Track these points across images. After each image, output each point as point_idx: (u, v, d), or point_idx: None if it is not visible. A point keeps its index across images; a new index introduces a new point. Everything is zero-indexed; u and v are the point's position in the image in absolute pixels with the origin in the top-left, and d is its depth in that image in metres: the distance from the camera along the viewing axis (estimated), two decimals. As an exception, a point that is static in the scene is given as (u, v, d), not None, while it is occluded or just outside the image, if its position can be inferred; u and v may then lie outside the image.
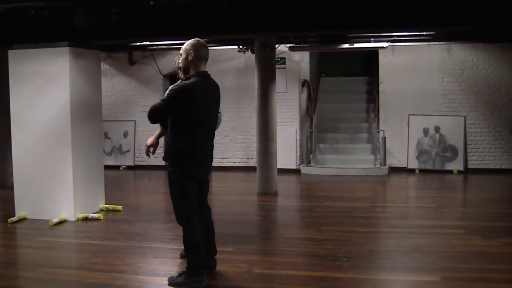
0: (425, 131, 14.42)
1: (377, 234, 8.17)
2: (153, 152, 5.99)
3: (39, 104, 8.95)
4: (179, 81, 6.06)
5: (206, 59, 5.69)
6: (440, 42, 13.76)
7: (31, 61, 8.95)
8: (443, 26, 9.49)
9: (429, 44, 13.88)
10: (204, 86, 5.57)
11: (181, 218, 5.67)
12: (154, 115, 5.55)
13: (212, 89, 5.74)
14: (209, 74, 5.70)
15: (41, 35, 8.97)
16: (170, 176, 5.65)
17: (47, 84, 8.90)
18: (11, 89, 9.16)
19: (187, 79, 5.59)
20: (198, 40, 5.65)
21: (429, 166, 14.37)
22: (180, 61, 5.74)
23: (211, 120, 5.76)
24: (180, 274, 5.73)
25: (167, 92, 5.63)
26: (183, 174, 5.55)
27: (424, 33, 12.10)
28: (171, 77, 14.58)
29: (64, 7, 8.75)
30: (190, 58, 5.55)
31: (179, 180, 5.57)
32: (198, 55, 5.57)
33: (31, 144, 9.03)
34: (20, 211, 9.10)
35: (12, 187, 9.41)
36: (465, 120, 14.25)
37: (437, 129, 14.35)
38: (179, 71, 5.99)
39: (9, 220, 8.82)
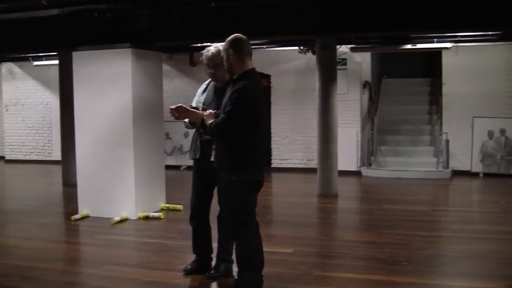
0: (490, 134, 14.06)
1: (438, 239, 8.01)
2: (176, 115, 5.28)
3: (102, 105, 9.09)
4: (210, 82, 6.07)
5: (251, 54, 5.15)
6: (506, 42, 13.39)
7: (94, 62, 9.11)
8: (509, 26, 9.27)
9: (494, 45, 13.54)
10: (258, 86, 5.16)
11: (239, 231, 5.14)
12: (229, 132, 4.98)
13: (262, 88, 5.34)
14: (257, 72, 5.24)
15: (104, 36, 9.12)
16: (229, 186, 5.07)
17: (109, 85, 9.04)
18: (74, 90, 9.35)
19: (236, 80, 5.08)
20: (235, 36, 5.13)
21: (493, 170, 14.00)
22: (224, 63, 5.23)
23: (267, 121, 5.29)
24: None
25: (230, 100, 4.96)
26: (249, 182, 5.06)
27: (489, 33, 11.83)
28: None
29: (127, 9, 8.92)
30: (231, 57, 5.05)
31: (244, 189, 5.04)
32: (240, 52, 5.06)
33: (94, 143, 9.19)
34: (83, 209, 9.29)
35: (75, 186, 9.64)
36: (532, 123, 13.86)
37: (502, 132, 13.97)
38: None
39: (73, 217, 9.03)
